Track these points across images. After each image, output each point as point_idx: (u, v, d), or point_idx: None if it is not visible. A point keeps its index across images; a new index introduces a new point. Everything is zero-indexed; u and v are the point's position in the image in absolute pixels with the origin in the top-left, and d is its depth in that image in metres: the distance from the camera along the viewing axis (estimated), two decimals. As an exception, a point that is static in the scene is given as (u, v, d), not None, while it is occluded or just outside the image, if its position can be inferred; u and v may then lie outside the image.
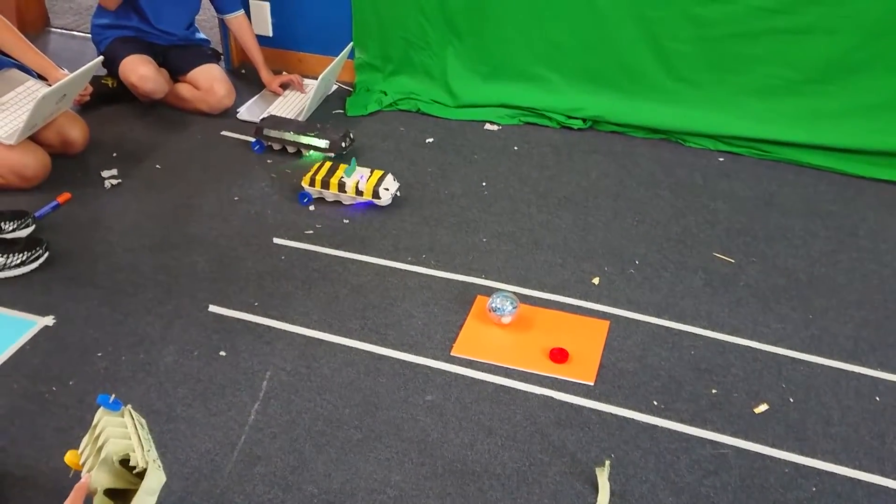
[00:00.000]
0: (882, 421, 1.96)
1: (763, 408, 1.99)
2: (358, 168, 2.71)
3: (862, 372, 2.09)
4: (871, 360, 2.12)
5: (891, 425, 1.94)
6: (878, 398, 2.02)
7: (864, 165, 2.91)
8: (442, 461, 1.85)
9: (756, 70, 2.97)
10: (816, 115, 2.95)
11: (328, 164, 2.73)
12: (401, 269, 2.45)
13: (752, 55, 2.95)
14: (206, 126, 3.21)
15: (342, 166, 2.72)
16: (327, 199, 2.73)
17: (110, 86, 3.29)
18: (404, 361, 2.12)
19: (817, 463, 1.85)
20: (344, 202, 2.72)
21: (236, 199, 2.78)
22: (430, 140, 3.15)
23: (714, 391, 2.04)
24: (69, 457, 1.48)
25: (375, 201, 2.68)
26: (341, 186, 2.66)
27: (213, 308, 2.29)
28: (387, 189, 2.67)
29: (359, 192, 2.66)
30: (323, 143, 2.95)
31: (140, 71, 3.09)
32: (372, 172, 2.70)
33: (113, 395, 1.52)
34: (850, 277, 2.42)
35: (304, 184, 2.70)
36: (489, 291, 2.29)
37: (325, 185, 2.68)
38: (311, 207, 2.72)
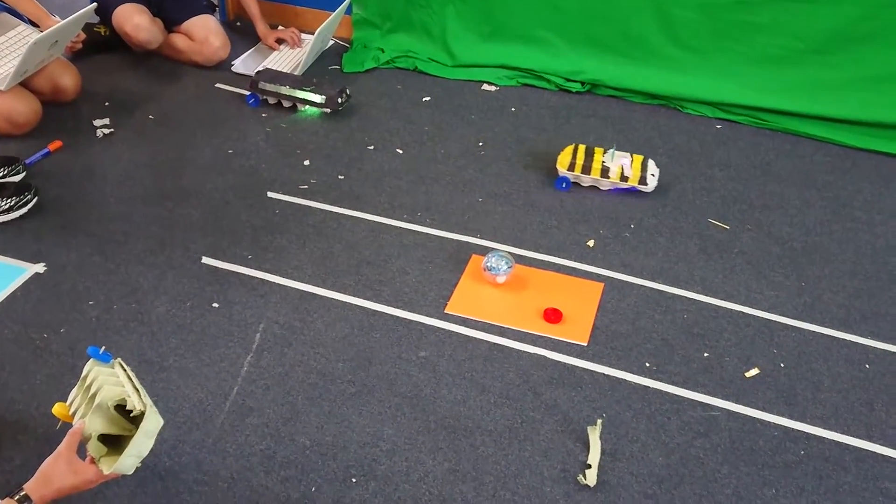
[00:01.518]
0: (871, 388, 1.97)
1: (754, 372, 2.00)
2: (616, 153, 2.60)
3: (853, 340, 2.10)
4: (862, 329, 2.14)
5: (879, 392, 1.96)
6: (867, 366, 2.03)
7: (863, 137, 2.90)
8: (434, 416, 1.86)
9: (759, 39, 2.95)
10: (817, 85, 2.93)
11: (583, 148, 2.63)
12: (396, 227, 2.44)
13: (756, 24, 2.92)
14: (201, 78, 3.17)
15: (598, 150, 2.61)
16: (583, 184, 2.61)
17: (103, 34, 3.24)
18: (398, 318, 2.12)
19: (806, 427, 1.87)
20: (601, 187, 2.60)
21: (230, 152, 2.75)
22: (427, 99, 3.12)
23: (706, 355, 2.04)
24: (57, 408, 1.48)
25: (640, 187, 2.56)
26: (604, 172, 2.56)
27: (206, 260, 2.28)
28: (653, 175, 2.57)
29: (624, 178, 2.56)
30: (319, 99, 2.92)
31: (134, 20, 3.04)
32: (632, 157, 2.60)
33: (103, 347, 1.51)
34: (844, 247, 2.43)
35: (562, 168, 2.58)
36: (484, 251, 2.29)
37: (586, 170, 2.56)
38: (306, 162, 2.70)
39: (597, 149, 2.63)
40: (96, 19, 3.20)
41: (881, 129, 2.88)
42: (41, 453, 1.43)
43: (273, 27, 3.41)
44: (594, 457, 1.76)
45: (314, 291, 2.19)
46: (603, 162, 2.57)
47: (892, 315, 2.18)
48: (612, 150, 2.58)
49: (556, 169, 2.60)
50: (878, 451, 1.82)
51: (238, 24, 3.60)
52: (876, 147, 2.88)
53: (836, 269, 2.34)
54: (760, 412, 1.90)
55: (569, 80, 3.18)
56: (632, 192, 2.57)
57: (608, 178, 2.56)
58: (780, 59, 2.94)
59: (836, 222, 2.53)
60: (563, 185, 2.61)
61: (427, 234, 2.41)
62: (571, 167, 2.58)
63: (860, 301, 2.23)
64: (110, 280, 2.19)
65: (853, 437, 1.85)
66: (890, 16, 2.75)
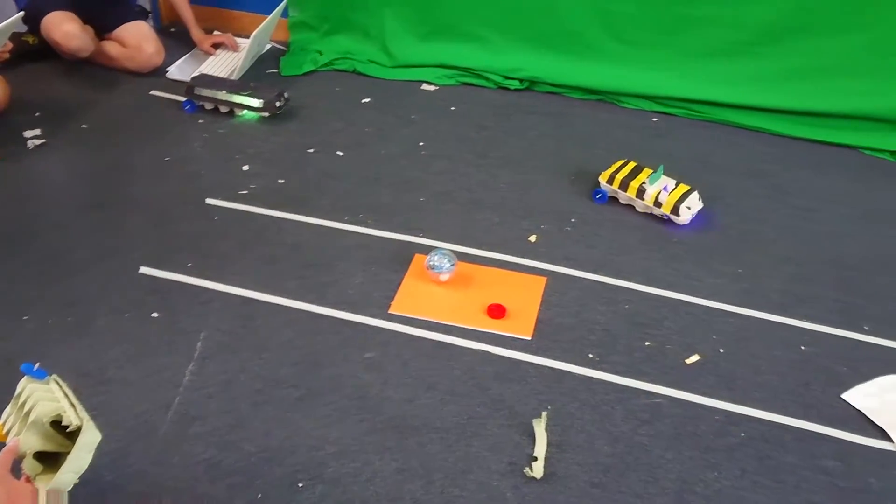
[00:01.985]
0: (808, 369, 2.02)
1: (695, 359, 2.03)
2: (664, 177, 2.47)
3: (789, 323, 2.15)
4: (797, 312, 2.19)
5: (816, 373, 2.01)
6: (803, 347, 2.08)
7: (798, 126, 2.97)
8: (382, 417, 1.85)
9: (695, 32, 2.99)
10: (750, 75, 2.99)
11: (632, 165, 2.52)
12: (339, 229, 2.43)
13: (692, 17, 2.96)
14: (135, 85, 3.12)
15: (646, 170, 2.50)
16: (620, 201, 2.52)
17: (31, 43, 3.17)
18: (343, 320, 2.11)
19: (747, 410, 1.90)
20: (637, 208, 2.50)
21: (167, 159, 2.71)
22: (367, 100, 3.11)
23: (648, 344, 2.07)
24: None
25: (673, 217, 2.43)
26: (640, 192, 2.45)
27: (145, 269, 2.24)
28: (689, 208, 2.42)
29: (657, 204, 2.43)
30: (257, 103, 2.89)
31: (64, 27, 2.98)
32: (677, 185, 2.45)
33: (37, 364, 1.47)
34: (781, 234, 2.48)
35: (602, 179, 2.51)
36: (427, 250, 2.29)
37: (625, 186, 2.47)
38: (245, 167, 2.67)
39: (646, 168, 2.52)
40: (24, 28, 3.13)
41: (816, 118, 2.95)
42: (-26, 473, 1.39)
43: (208, 32, 3.37)
44: (540, 449, 1.77)
45: (257, 297, 2.17)
46: (643, 182, 2.46)
47: (827, 298, 2.23)
48: (657, 173, 2.46)
49: (598, 180, 2.54)
50: (815, 430, 1.86)
51: (172, 29, 3.55)
52: (811, 136, 2.95)
53: (773, 256, 2.39)
54: (702, 397, 1.93)
55: (508, 78, 3.20)
56: (664, 220, 2.46)
57: (643, 199, 2.46)
58: (716, 51, 2.99)
59: (773, 210, 2.59)
60: (598, 197, 2.54)
61: (370, 235, 2.41)
62: (611, 180, 2.50)
63: (796, 286, 2.28)
64: (46, 293, 2.15)
65: (791, 417, 1.89)
66: (822, 8, 2.81)
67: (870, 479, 1.76)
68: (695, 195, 2.45)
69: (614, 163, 2.57)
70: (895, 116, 2.86)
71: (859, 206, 2.61)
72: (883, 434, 1.86)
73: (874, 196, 2.67)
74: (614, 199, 2.55)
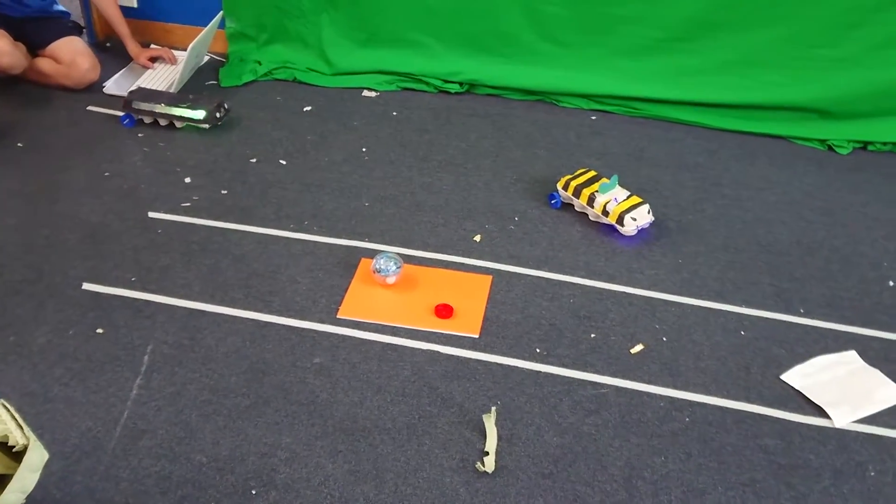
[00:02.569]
0: (747, 353, 2.08)
1: (639, 348, 2.08)
2: (618, 187, 2.48)
3: (728, 309, 2.22)
4: (736, 299, 2.25)
5: (755, 357, 2.07)
6: (742, 332, 2.14)
7: (726, 119, 3.06)
8: (332, 420, 1.86)
9: (624, 30, 3.06)
10: (680, 71, 3.07)
11: (591, 174, 2.54)
12: (284, 237, 2.43)
13: (619, 16, 3.03)
14: (70, 101, 3.08)
15: (604, 179, 2.50)
16: (575, 208, 2.54)
17: (-39, 62, 3.09)
18: (290, 327, 2.11)
19: (690, 395, 1.96)
20: (590, 216, 2.51)
21: (107, 174, 2.68)
22: (309, 108, 3.11)
23: (593, 335, 2.12)
24: None
25: (618, 227, 2.44)
26: (590, 200, 2.46)
27: (87, 286, 2.21)
28: (634, 219, 2.42)
29: (605, 213, 2.45)
30: (197, 115, 2.87)
31: (-6, 45, 2.92)
32: (629, 197, 2.46)
33: None
34: (716, 223, 2.55)
35: (559, 186, 2.54)
36: (373, 254, 2.30)
37: (577, 193, 2.49)
38: (187, 180, 2.65)
39: (603, 178, 2.52)
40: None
41: (743, 111, 3.04)
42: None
43: (145, 46, 3.34)
44: (491, 443, 1.79)
45: (203, 308, 2.16)
46: (595, 191, 2.48)
47: (763, 283, 2.31)
48: (610, 183, 2.47)
49: (556, 186, 2.57)
50: (756, 412, 1.92)
51: (108, 44, 3.51)
52: (740, 127, 3.04)
53: (709, 245, 2.46)
54: (647, 385, 1.98)
55: (447, 82, 3.23)
56: (612, 229, 2.47)
57: (592, 207, 2.48)
58: (645, 48, 3.06)
59: (708, 200, 2.66)
60: (553, 202, 2.57)
61: (315, 241, 2.41)
62: (566, 186, 2.53)
63: (733, 273, 2.35)
64: (-15, 314, 2.11)
65: (733, 400, 1.95)
66: (743, 3, 2.90)
67: (809, 456, 1.82)
68: (644, 208, 2.45)
69: (576, 169, 2.60)
70: (820, 106, 2.97)
71: (789, 194, 2.70)
72: (820, 412, 1.92)
73: (803, 183, 2.76)
74: (570, 206, 2.58)
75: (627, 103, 3.14)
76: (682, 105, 3.09)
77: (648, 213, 2.46)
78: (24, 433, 1.39)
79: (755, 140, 3.00)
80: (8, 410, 1.45)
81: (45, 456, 1.41)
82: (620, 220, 2.43)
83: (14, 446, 1.38)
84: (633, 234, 2.44)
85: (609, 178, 2.51)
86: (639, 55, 3.09)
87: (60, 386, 1.92)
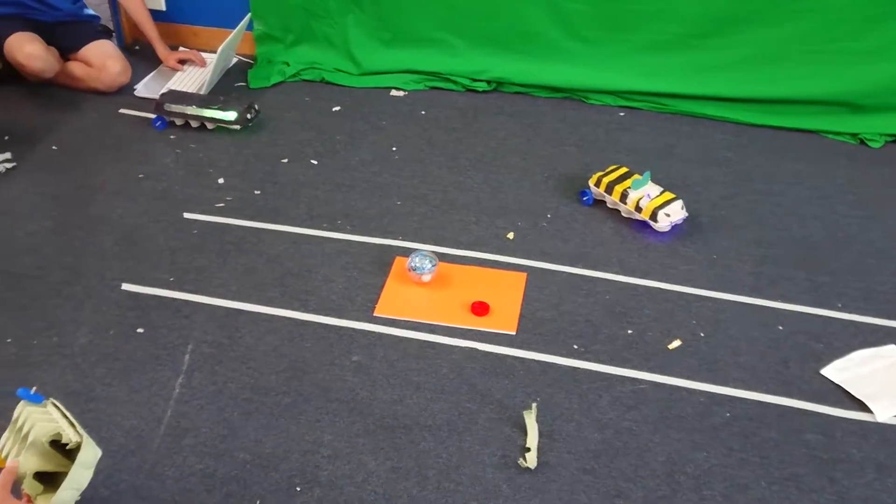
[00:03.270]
0: (785, 348, 2.08)
1: (676, 344, 2.08)
2: (650, 183, 2.47)
3: (764, 304, 2.21)
4: (771, 293, 2.24)
5: (793, 351, 2.06)
6: (780, 327, 2.14)
7: (754, 113, 3.04)
8: (372, 418, 1.87)
9: (648, 26, 3.05)
10: (705, 67, 3.06)
11: (623, 170, 2.53)
12: (317, 237, 2.44)
13: (643, 12, 3.03)
14: (102, 105, 3.10)
15: (636, 175, 2.49)
16: (607, 204, 2.51)
17: (-5, 67, 3.13)
18: (327, 325, 2.12)
19: (729, 391, 1.95)
20: (622, 213, 2.49)
21: (141, 176, 2.70)
22: (337, 108, 3.13)
23: (629, 332, 2.12)
24: None
25: (652, 223, 2.42)
26: (623, 196, 2.45)
27: (125, 286, 2.24)
28: (667, 215, 2.40)
29: (637, 209, 2.44)
30: (228, 116, 2.89)
31: (27, 49, 2.95)
32: (662, 193, 2.45)
33: (34, 388, 1.47)
34: (748, 219, 2.54)
35: (591, 182, 2.51)
36: (407, 252, 2.31)
37: (610, 189, 2.47)
38: (220, 180, 2.67)
39: (636, 174, 2.51)
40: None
41: (771, 105, 3.03)
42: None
43: (174, 49, 3.37)
44: (532, 440, 1.80)
45: (240, 307, 2.18)
46: (628, 188, 2.46)
47: (798, 278, 2.30)
48: (642, 179, 2.46)
49: (587, 183, 2.55)
50: (796, 406, 1.92)
51: (137, 47, 3.53)
52: (769, 122, 3.02)
53: (742, 240, 2.45)
54: (685, 380, 1.98)
55: (474, 80, 3.23)
56: (645, 225, 2.45)
57: (625, 203, 2.46)
58: (669, 44, 3.05)
59: (739, 195, 2.65)
60: (585, 199, 2.55)
61: (349, 240, 2.43)
62: (598, 183, 2.51)
63: (767, 267, 2.34)
64: (26, 315, 2.13)
65: (773, 395, 1.94)
66: (765, -3, 2.90)
67: (851, 450, 1.81)
68: (677, 203, 2.44)
69: (607, 166, 2.58)
70: (851, 100, 2.95)
71: (821, 189, 2.68)
72: (862, 406, 1.91)
73: (835, 177, 2.74)
74: (601, 203, 2.57)
75: (655, 99, 3.13)
76: (710, 100, 3.08)
77: (682, 208, 2.45)
78: (77, 430, 1.41)
79: (785, 135, 2.99)
80: (59, 409, 1.47)
81: (98, 453, 1.43)
82: (654, 217, 2.42)
83: (67, 444, 1.40)
84: (666, 230, 2.44)
85: (641, 174, 2.51)
86: (664, 51, 3.08)
87: (103, 386, 1.94)
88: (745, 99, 3.05)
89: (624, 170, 2.56)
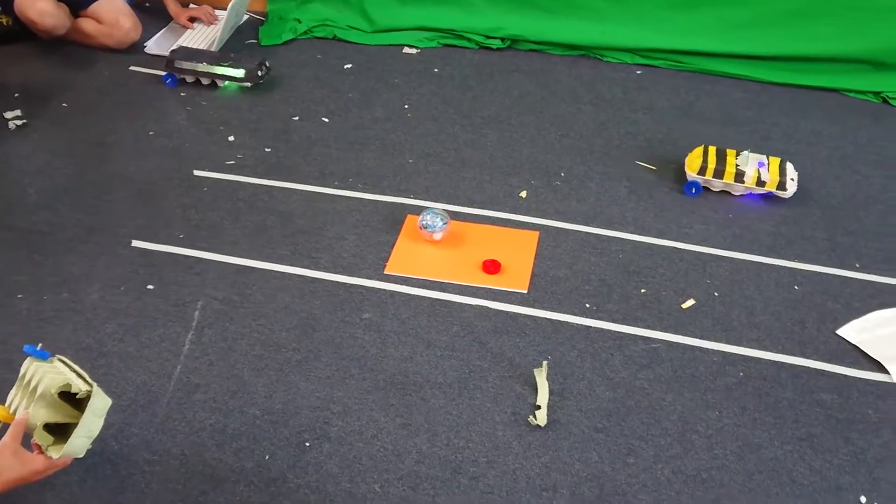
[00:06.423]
0: (801, 308, 2.05)
1: (690, 303, 2.05)
2: (751, 155, 2.39)
3: (781, 264, 2.17)
4: (788, 254, 2.21)
5: (809, 312, 2.03)
6: (796, 287, 2.10)
7: (776, 72, 2.98)
8: (383, 375, 1.87)
9: (669, -18, 3.00)
10: (729, 24, 2.99)
11: (713, 150, 2.42)
12: (328, 195, 2.42)
13: (661, -33, 2.97)
14: (113, 62, 3.08)
15: (730, 152, 2.41)
16: (713, 189, 2.41)
17: (5, 24, 3.11)
18: (338, 283, 2.11)
19: (743, 350, 1.93)
20: (734, 192, 2.40)
21: (151, 133, 2.68)
22: (349, 66, 3.09)
23: (643, 291, 2.09)
24: None
25: (779, 193, 2.35)
26: (738, 176, 2.35)
27: (136, 243, 2.23)
28: (792, 179, 2.35)
29: (760, 183, 2.35)
30: (238, 73, 2.86)
31: (38, 6, 2.92)
32: (769, 160, 2.38)
33: (40, 344, 1.47)
34: (767, 178, 2.50)
35: (691, 172, 2.38)
36: (419, 210, 2.29)
37: (719, 174, 2.36)
38: (231, 138, 2.65)
39: (729, 151, 2.43)
40: (-3, 9, 3.08)
41: (792, 63, 2.96)
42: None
43: (185, 6, 3.33)
44: (542, 397, 1.79)
45: (251, 265, 2.17)
46: (737, 165, 2.37)
47: (817, 238, 2.26)
48: (746, 153, 2.39)
49: (686, 173, 2.40)
50: (811, 366, 1.89)
51: (147, 4, 3.49)
52: (789, 80, 2.96)
53: (760, 199, 2.40)
54: (699, 340, 1.95)
55: (489, 38, 3.18)
56: (769, 196, 2.38)
57: (743, 182, 2.36)
58: (692, 1, 2.99)
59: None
60: (693, 192, 2.41)
61: (360, 198, 2.41)
62: (702, 171, 2.38)
63: (785, 227, 2.30)
64: (38, 271, 2.13)
65: (788, 354, 1.92)
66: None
67: (867, 411, 1.79)
68: (790, 165, 2.40)
69: (691, 152, 2.45)
70: (874, 57, 2.88)
71: (842, 148, 2.63)
72: (879, 367, 1.89)
73: (857, 136, 2.69)
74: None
75: (673, 57, 3.07)
76: (730, 58, 3.02)
77: (795, 168, 2.41)
78: (87, 380, 1.42)
79: (806, 93, 2.92)
80: (66, 363, 1.47)
81: (108, 401, 1.43)
82: (782, 186, 2.35)
83: (76, 394, 1.40)
84: (792, 194, 2.36)
85: (730, 148, 2.44)
86: (684, 7, 3.02)
87: (114, 341, 1.94)
88: (766, 57, 2.98)
89: (714, 148, 2.44)
